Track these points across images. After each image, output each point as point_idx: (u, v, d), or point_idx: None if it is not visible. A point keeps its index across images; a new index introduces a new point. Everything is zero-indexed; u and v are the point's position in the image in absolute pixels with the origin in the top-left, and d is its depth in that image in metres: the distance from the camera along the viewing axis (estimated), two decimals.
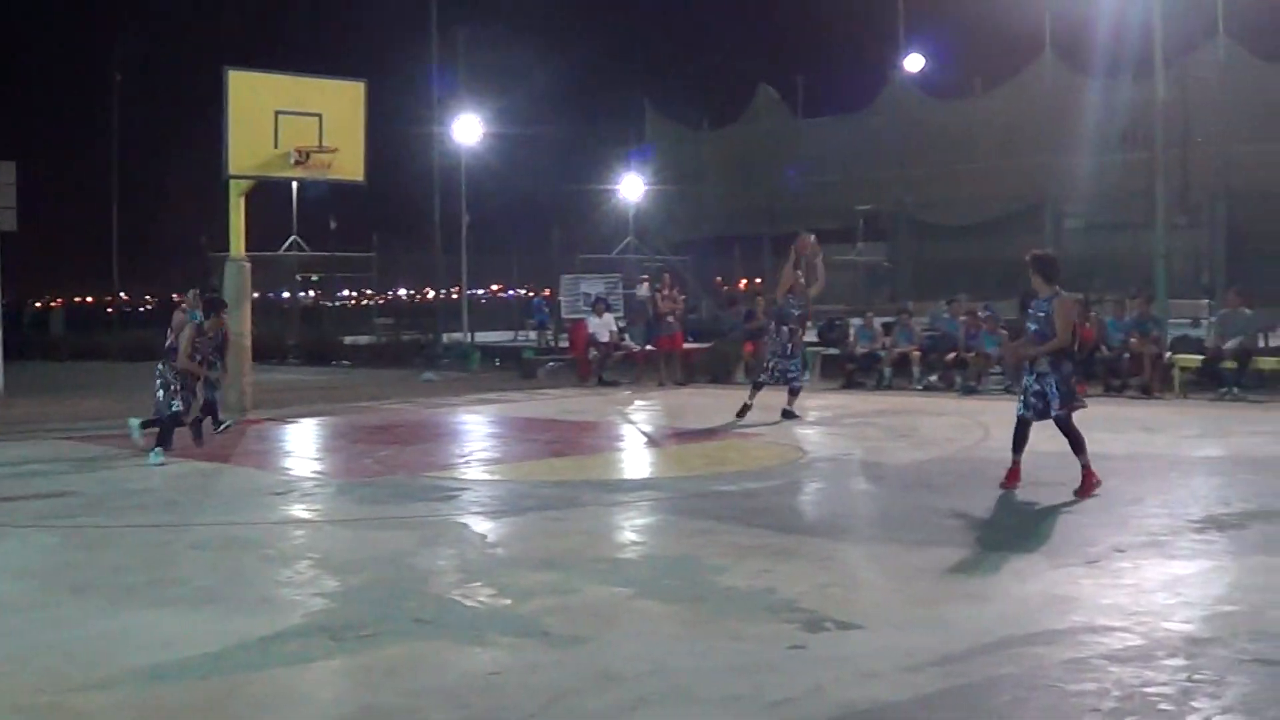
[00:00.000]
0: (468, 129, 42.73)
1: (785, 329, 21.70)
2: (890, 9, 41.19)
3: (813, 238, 21.77)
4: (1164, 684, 7.25)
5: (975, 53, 43.36)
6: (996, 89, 36.98)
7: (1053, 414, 13.79)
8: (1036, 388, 13.91)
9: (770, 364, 21.89)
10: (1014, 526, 12.28)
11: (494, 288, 61.38)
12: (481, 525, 12.81)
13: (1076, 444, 13.76)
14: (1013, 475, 14.11)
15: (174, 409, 18.07)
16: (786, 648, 8.02)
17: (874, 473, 16.14)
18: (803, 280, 21.56)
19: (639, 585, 9.84)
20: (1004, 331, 27.81)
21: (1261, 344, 26.11)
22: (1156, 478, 14.15)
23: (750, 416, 21.27)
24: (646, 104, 43.66)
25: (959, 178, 36.09)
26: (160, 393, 18.32)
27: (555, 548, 11.36)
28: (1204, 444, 18.34)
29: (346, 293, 63.03)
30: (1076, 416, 13.85)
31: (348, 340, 43.85)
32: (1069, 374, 13.98)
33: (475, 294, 50.57)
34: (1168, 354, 26.13)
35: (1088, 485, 13.63)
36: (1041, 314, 13.87)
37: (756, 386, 22.00)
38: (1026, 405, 14.00)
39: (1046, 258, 14.34)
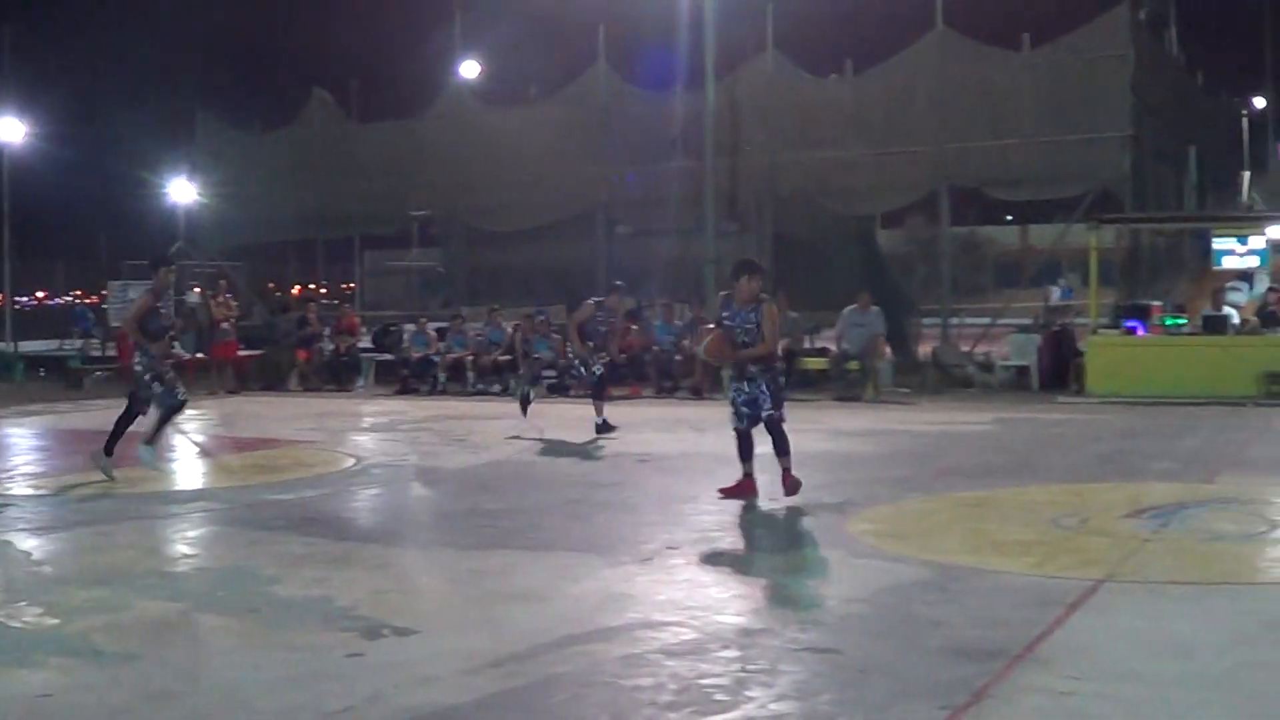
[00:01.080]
0: (9, 130, 41.27)
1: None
2: (447, 15, 41.28)
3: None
4: (719, 675, 7.42)
5: (531, 60, 43.79)
6: (552, 97, 37.31)
7: (763, 415, 13.54)
8: (746, 394, 13.65)
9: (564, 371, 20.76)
10: (569, 527, 12.40)
11: (39, 295, 59.39)
12: (26, 542, 12.32)
13: (782, 446, 13.57)
14: (746, 485, 13.74)
15: (178, 397, 15.89)
16: (344, 656, 7.94)
17: (429, 478, 16.13)
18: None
19: (192, 599, 9.61)
20: (556, 336, 28.21)
21: (806, 345, 27.06)
22: (709, 476, 14.49)
23: (306, 423, 21.07)
24: (198, 107, 42.71)
25: (513, 184, 36.25)
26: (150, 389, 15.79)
27: (105, 563, 11.02)
28: None
29: None
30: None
31: None
32: (779, 374, 14.00)
33: (19, 301, 48.80)
34: None
35: (789, 485, 13.45)
36: (750, 324, 13.54)
37: (525, 400, 21.02)
38: (739, 417, 13.68)
39: (754, 264, 14.09)
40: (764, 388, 13.60)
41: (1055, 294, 34.49)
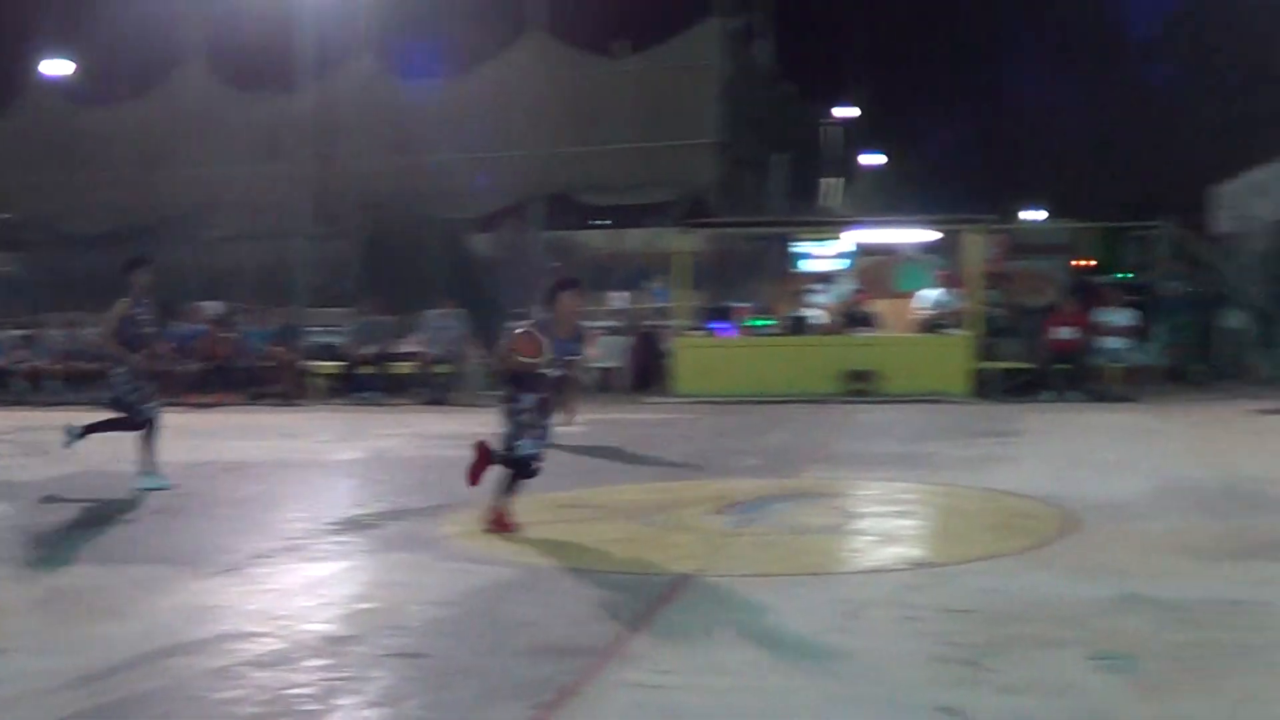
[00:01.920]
0: None
1: None
2: (33, 9, 40.03)
3: None
4: (307, 685, 7.37)
5: (124, 59, 42.70)
6: (143, 96, 36.59)
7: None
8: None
9: None
10: (153, 539, 12.13)
11: None
12: None
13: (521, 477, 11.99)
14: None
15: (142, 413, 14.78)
16: None
17: (4, 492, 15.52)
18: None
19: None
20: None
21: (398, 349, 27.07)
22: (296, 483, 14.40)
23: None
24: None
25: (100, 186, 35.50)
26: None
27: None
28: (341, 448, 18.81)
29: None
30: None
31: None
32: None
33: None
34: (307, 361, 26.74)
35: (501, 526, 11.90)
36: (573, 354, 11.89)
37: None
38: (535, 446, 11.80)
39: (579, 284, 12.13)
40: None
41: (615, 301, 35.07)
